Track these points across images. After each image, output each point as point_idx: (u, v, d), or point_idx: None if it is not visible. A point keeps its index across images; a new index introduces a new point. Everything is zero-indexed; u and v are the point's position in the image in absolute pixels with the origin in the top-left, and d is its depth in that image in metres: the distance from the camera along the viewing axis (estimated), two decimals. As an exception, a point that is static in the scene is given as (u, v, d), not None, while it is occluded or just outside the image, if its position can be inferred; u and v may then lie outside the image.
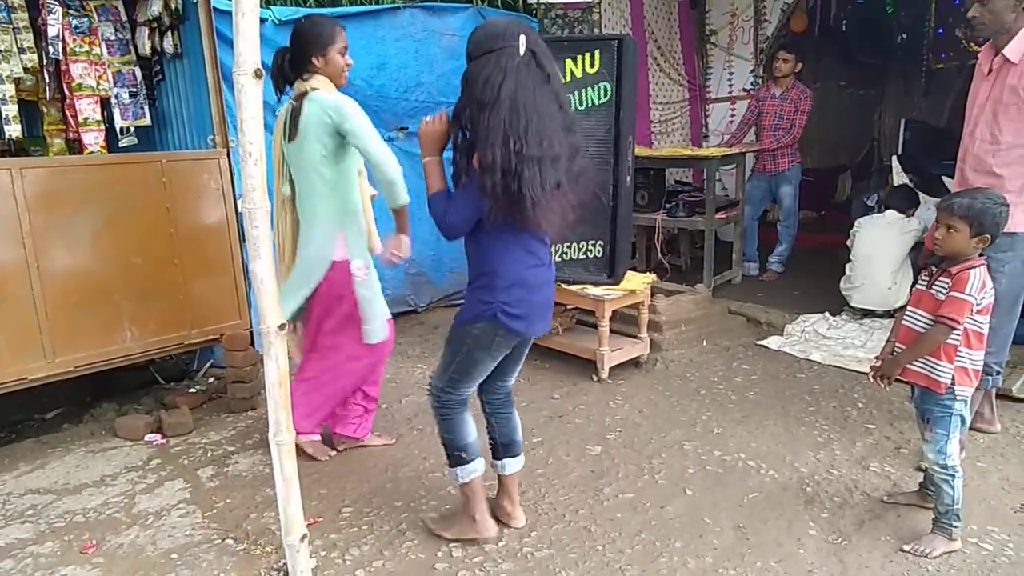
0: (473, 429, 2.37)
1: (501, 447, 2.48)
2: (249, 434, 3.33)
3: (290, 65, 2.74)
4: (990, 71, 2.90)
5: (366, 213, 2.96)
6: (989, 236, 2.26)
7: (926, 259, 2.51)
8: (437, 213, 2.17)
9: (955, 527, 2.34)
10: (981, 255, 2.32)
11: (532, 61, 1.99)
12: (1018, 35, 2.77)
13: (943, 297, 2.30)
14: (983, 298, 2.28)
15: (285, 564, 2.19)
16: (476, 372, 2.29)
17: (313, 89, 2.69)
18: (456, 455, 2.37)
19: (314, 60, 2.70)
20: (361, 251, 2.85)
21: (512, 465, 2.48)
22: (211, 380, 3.94)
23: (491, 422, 2.49)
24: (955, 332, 2.28)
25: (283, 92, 2.81)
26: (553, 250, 3.99)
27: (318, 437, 3.08)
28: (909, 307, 2.46)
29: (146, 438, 3.28)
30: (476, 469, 2.39)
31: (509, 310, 2.16)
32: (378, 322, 2.92)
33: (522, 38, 1.98)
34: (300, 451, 2.83)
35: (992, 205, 2.26)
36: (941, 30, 7.72)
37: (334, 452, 3.09)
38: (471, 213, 2.10)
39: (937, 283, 2.35)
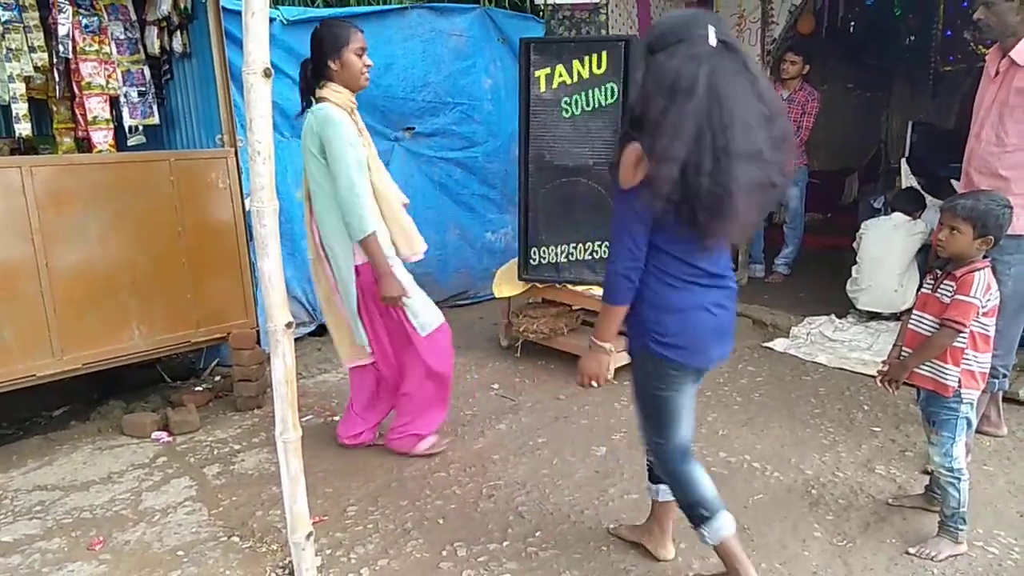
0: (704, 481, 2.08)
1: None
2: (255, 432, 3.35)
3: (313, 75, 2.74)
4: (997, 73, 2.89)
5: (393, 216, 2.85)
6: (992, 238, 2.26)
7: (932, 264, 2.51)
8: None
9: (961, 530, 2.34)
10: (985, 257, 2.32)
11: (725, 50, 1.75)
12: None
13: (948, 300, 2.30)
14: (988, 300, 2.28)
15: (290, 562, 2.20)
16: (670, 412, 2.03)
17: (320, 99, 2.68)
18: (696, 513, 2.07)
19: (330, 64, 2.69)
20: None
21: (668, 492, 2.21)
22: (218, 378, 3.96)
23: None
24: (961, 335, 2.28)
25: (308, 105, 2.75)
26: (559, 251, 4.01)
27: (434, 438, 3.07)
28: (915, 311, 2.45)
29: (153, 436, 3.30)
30: (723, 526, 2.05)
31: (661, 338, 1.94)
32: (425, 314, 2.89)
33: (711, 27, 1.75)
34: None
35: (995, 207, 2.26)
36: (949, 32, 7.69)
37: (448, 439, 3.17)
38: (639, 225, 1.86)
39: (942, 286, 2.35)
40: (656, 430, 2.07)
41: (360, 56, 2.71)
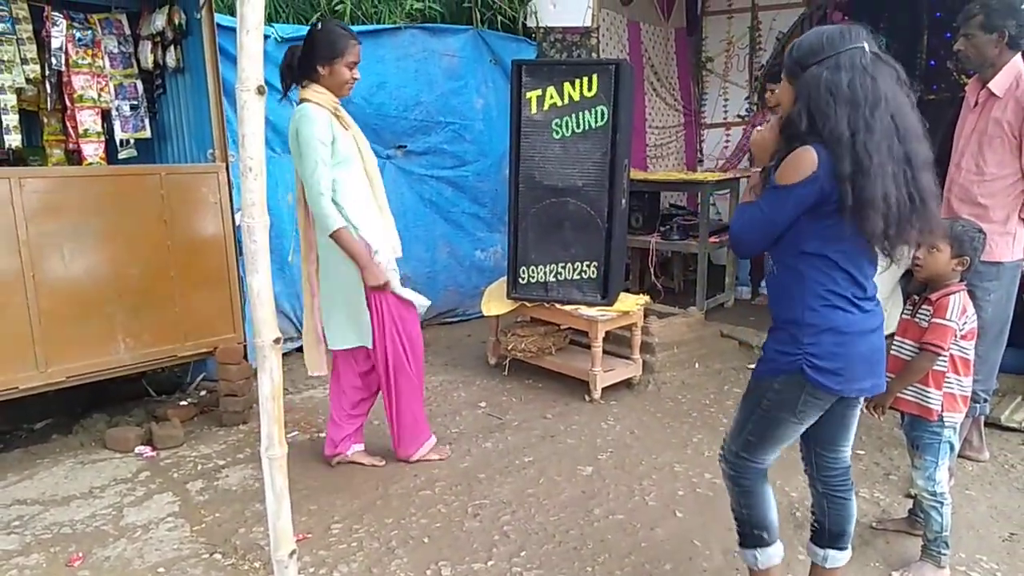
0: (774, 506, 2.03)
1: (828, 535, 2.09)
2: (240, 448, 3.32)
3: (298, 65, 2.77)
4: (976, 104, 2.96)
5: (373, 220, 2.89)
6: (968, 259, 2.32)
7: (913, 289, 2.55)
8: (734, 224, 1.91)
9: (944, 554, 2.35)
10: (962, 281, 2.37)
11: (880, 61, 1.73)
12: (1003, 70, 2.84)
13: (926, 324, 2.34)
14: (965, 323, 2.32)
15: (273, 580, 2.18)
16: (777, 436, 1.94)
17: (302, 100, 2.72)
18: (754, 534, 2.01)
19: (319, 68, 2.73)
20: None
21: (837, 559, 2.09)
22: (203, 393, 3.93)
23: (821, 504, 2.10)
24: (940, 358, 2.31)
25: (288, 91, 2.84)
26: (548, 271, 4.03)
27: (433, 440, 3.20)
28: (896, 336, 2.49)
29: (136, 450, 3.27)
30: (776, 554, 2.02)
31: (818, 363, 1.81)
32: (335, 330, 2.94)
33: (864, 39, 1.73)
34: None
35: (969, 229, 2.36)
36: (933, 62, 7.83)
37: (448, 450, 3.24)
38: (772, 226, 1.80)
39: (920, 311, 2.40)
40: (748, 448, 1.97)
41: (351, 69, 2.75)
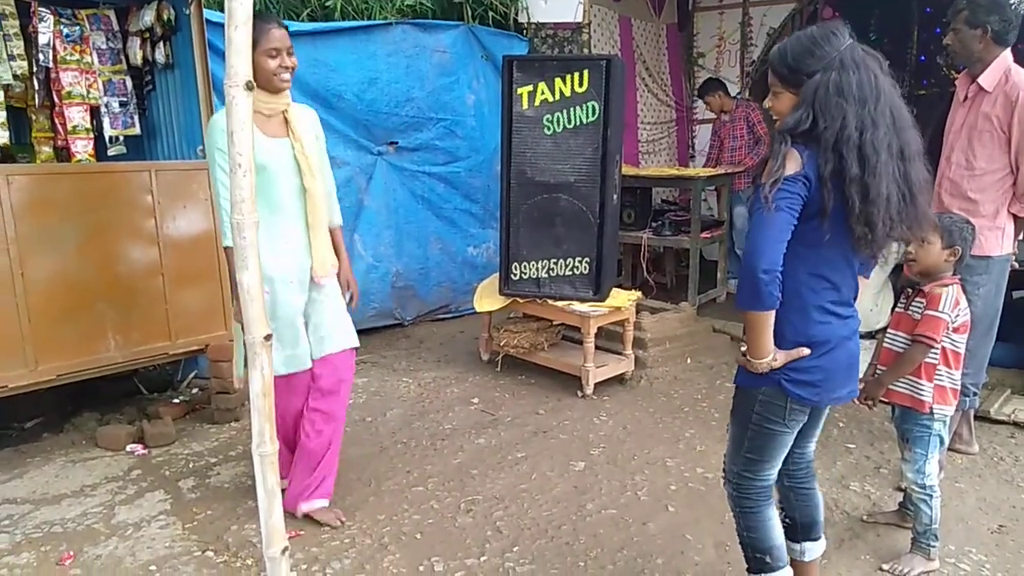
0: (780, 531, 2.00)
1: (800, 528, 2.10)
2: (232, 445, 3.31)
3: None
4: (966, 98, 2.98)
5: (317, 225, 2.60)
6: (959, 250, 2.34)
7: (904, 283, 2.57)
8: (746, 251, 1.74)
9: (933, 547, 2.37)
10: (955, 274, 2.38)
11: (866, 52, 1.72)
12: (992, 64, 2.85)
13: (919, 317, 2.35)
14: (957, 316, 2.33)
15: (265, 577, 2.17)
16: (774, 447, 1.91)
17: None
18: (758, 559, 1.97)
19: None
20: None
21: (813, 550, 2.11)
22: (195, 391, 3.92)
23: (788, 497, 2.12)
24: (932, 350, 2.32)
25: None
26: (540, 267, 4.04)
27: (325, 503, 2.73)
28: (889, 329, 2.51)
29: (127, 448, 3.26)
30: None
31: (797, 376, 1.80)
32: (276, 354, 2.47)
33: (847, 35, 1.72)
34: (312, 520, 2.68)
35: (957, 220, 2.40)
36: (923, 57, 7.87)
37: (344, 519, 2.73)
38: (780, 237, 1.69)
39: (913, 303, 2.41)
40: (749, 465, 1.93)
41: (274, 57, 2.42)
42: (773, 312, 1.73)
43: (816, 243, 1.73)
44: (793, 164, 1.67)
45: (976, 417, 3.28)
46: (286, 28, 2.52)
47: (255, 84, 2.53)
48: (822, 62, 1.68)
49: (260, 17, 2.50)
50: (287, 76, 2.48)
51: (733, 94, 6.28)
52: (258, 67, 2.43)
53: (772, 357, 1.77)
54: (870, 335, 4.58)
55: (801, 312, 1.78)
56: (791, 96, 1.75)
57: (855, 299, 1.88)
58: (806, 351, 1.78)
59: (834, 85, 1.65)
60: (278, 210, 2.50)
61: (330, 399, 2.67)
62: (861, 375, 2.59)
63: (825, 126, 1.65)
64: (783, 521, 2.11)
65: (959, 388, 2.43)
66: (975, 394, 3.12)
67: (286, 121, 2.51)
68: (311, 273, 2.58)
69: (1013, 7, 2.82)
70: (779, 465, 1.96)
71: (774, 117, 1.86)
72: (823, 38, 1.70)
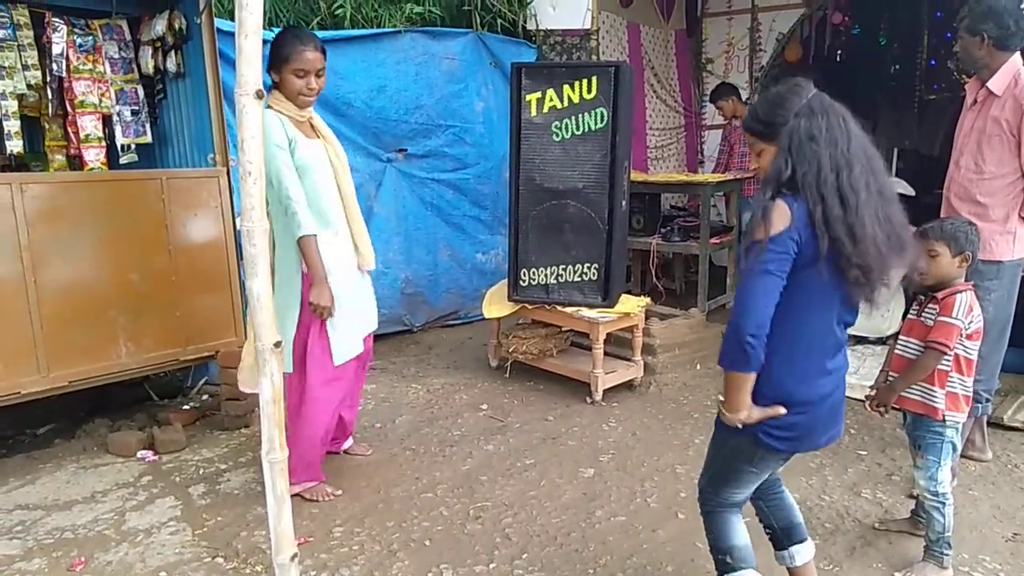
0: (742, 533, 1.99)
1: (781, 534, 2.11)
2: (242, 452, 3.32)
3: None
4: (975, 102, 2.97)
5: (355, 219, 2.84)
6: (970, 255, 2.32)
7: (916, 289, 2.55)
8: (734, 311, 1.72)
9: (946, 555, 2.34)
10: (968, 280, 2.37)
11: (832, 101, 1.77)
12: (1001, 69, 2.84)
13: (932, 323, 2.33)
14: (971, 323, 2.31)
15: (275, 583, 2.18)
16: (739, 482, 1.92)
17: (267, 107, 2.64)
18: (719, 559, 1.99)
19: (271, 73, 2.64)
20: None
21: (802, 553, 2.09)
22: (205, 397, 3.94)
23: (759, 507, 2.12)
24: (946, 357, 2.31)
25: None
26: (549, 273, 4.04)
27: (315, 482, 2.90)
28: (901, 335, 2.49)
29: (138, 454, 3.27)
30: None
31: (774, 431, 1.78)
32: (344, 342, 2.74)
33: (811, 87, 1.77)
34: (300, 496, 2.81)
35: (961, 224, 2.36)
36: (934, 61, 7.85)
37: (339, 492, 2.93)
38: (771, 296, 1.67)
39: (926, 310, 2.40)
40: (714, 485, 1.97)
41: (301, 77, 2.58)
42: (755, 373, 1.72)
43: (812, 296, 1.72)
44: (781, 220, 1.66)
45: (989, 424, 3.25)
46: (323, 49, 2.63)
47: (283, 94, 2.63)
48: (791, 111, 1.72)
49: (297, 35, 2.62)
50: (311, 99, 2.65)
51: (744, 100, 6.29)
52: (285, 83, 2.61)
53: (747, 414, 1.76)
54: (881, 341, 4.56)
55: (790, 370, 1.76)
56: (771, 149, 1.77)
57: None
58: (782, 410, 1.76)
59: (805, 131, 1.68)
60: (328, 207, 2.70)
61: (362, 373, 3.08)
62: (872, 381, 2.59)
63: (804, 171, 1.67)
64: (765, 531, 2.13)
65: (972, 395, 2.40)
66: (988, 400, 3.10)
67: (312, 127, 2.73)
68: (357, 262, 2.85)
69: (1013, 13, 2.80)
70: (747, 494, 1.96)
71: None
72: (789, 92, 1.76)
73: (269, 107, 2.66)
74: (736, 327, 1.67)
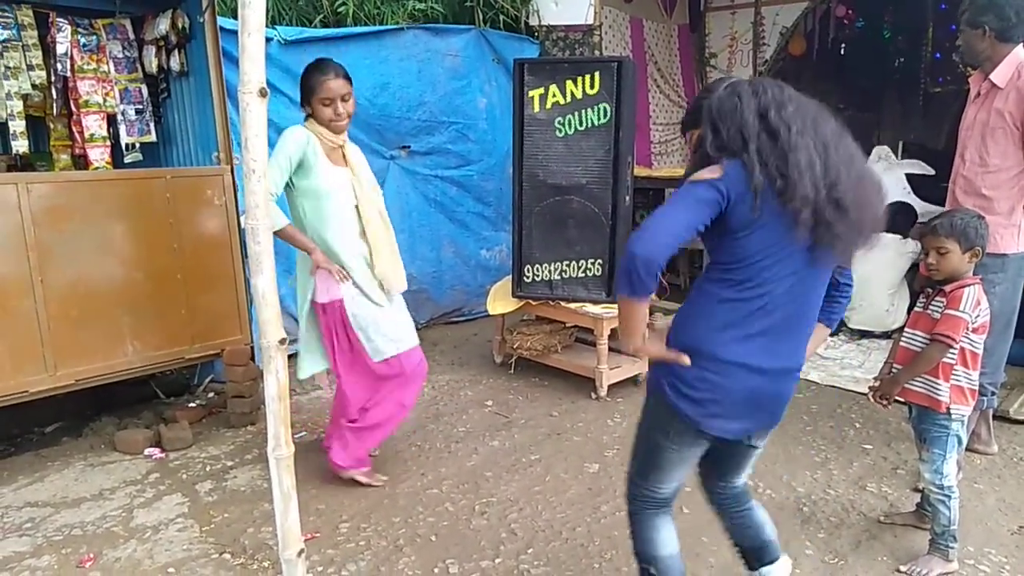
0: (669, 541, 1.86)
1: (750, 554, 1.99)
2: (248, 449, 3.34)
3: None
4: (979, 95, 2.96)
5: (378, 247, 2.85)
6: (979, 249, 2.31)
7: (922, 283, 2.55)
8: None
9: (952, 548, 2.35)
10: (976, 275, 2.36)
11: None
12: (1003, 61, 2.83)
13: (939, 316, 2.33)
14: (978, 316, 2.31)
15: (282, 579, 2.19)
16: (659, 463, 1.79)
17: (303, 125, 2.76)
18: (643, 569, 1.86)
19: (304, 107, 2.77)
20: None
21: (773, 573, 1.97)
22: (211, 395, 3.95)
23: (726, 526, 2.01)
24: (951, 350, 2.30)
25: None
26: (553, 269, 4.04)
27: (366, 469, 3.00)
28: (907, 328, 2.48)
29: (145, 452, 3.29)
30: None
31: (680, 385, 1.68)
32: (378, 339, 2.82)
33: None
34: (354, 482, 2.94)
35: (970, 219, 2.34)
36: (939, 55, 7.80)
37: (385, 477, 3.04)
38: (671, 221, 1.57)
39: (933, 303, 2.39)
40: (639, 469, 1.85)
41: (328, 105, 2.69)
42: (645, 304, 1.61)
43: (761, 256, 1.60)
44: (709, 171, 1.60)
45: (995, 417, 3.25)
46: (345, 76, 2.74)
47: (318, 121, 2.71)
48: (712, 92, 1.69)
49: (319, 66, 2.79)
50: (343, 123, 2.76)
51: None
52: (316, 112, 2.74)
53: (640, 343, 1.64)
54: (886, 335, 4.56)
55: (709, 323, 1.66)
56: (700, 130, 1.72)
57: (803, 355, 1.74)
58: (685, 359, 1.65)
59: (725, 95, 1.64)
60: (335, 234, 2.76)
61: (402, 393, 3.01)
62: (876, 374, 2.59)
63: (728, 126, 1.61)
64: (736, 552, 2.03)
65: (977, 388, 2.40)
66: (993, 394, 3.09)
67: (343, 155, 2.81)
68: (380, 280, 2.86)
69: (1014, 4, 2.79)
70: (673, 484, 1.83)
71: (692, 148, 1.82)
72: (712, 82, 1.78)
73: (305, 126, 2.74)
74: (629, 252, 1.54)
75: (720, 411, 1.68)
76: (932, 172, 4.99)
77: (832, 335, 4.69)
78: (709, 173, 1.59)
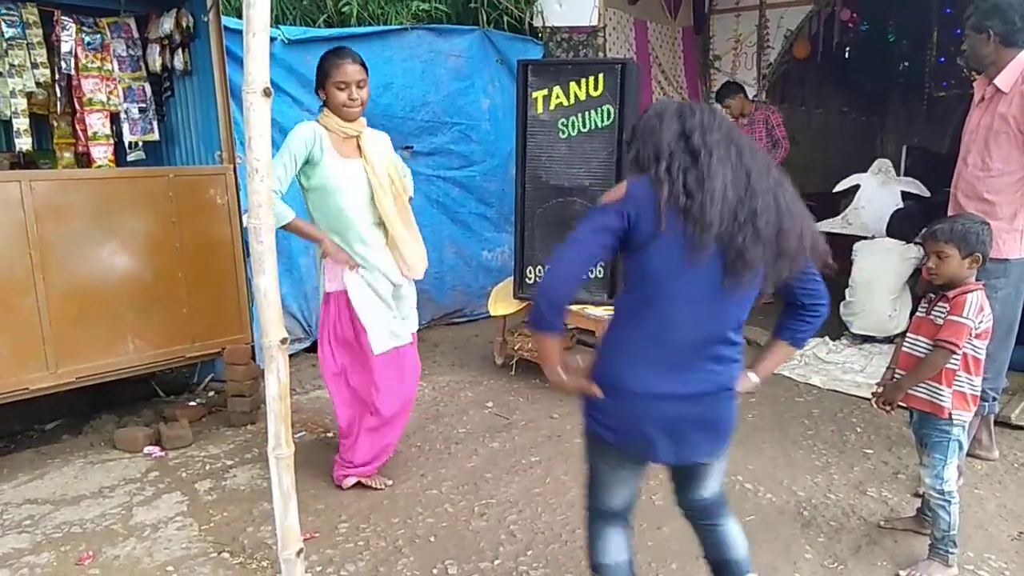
0: (615, 551, 1.88)
1: (716, 569, 1.95)
2: (248, 448, 3.34)
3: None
4: (983, 99, 2.95)
5: (397, 240, 2.88)
6: (980, 256, 2.30)
7: (925, 288, 2.54)
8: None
9: (951, 553, 2.34)
10: (977, 280, 2.35)
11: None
12: (1008, 66, 2.83)
13: (942, 322, 2.32)
14: (981, 322, 2.30)
15: (281, 578, 2.19)
16: (600, 480, 1.84)
17: (316, 121, 2.76)
18: (592, 574, 1.93)
19: (319, 93, 2.77)
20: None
21: None
22: (211, 394, 3.95)
23: (698, 533, 1.98)
24: (954, 356, 2.30)
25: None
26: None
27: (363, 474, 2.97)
28: (909, 334, 2.48)
29: (145, 450, 3.29)
30: None
31: (594, 414, 1.74)
32: (376, 332, 2.81)
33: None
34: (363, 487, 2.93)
35: (972, 224, 2.33)
36: (943, 59, 7.81)
37: (390, 481, 3.00)
38: (575, 250, 1.64)
39: (936, 309, 2.38)
40: (588, 485, 1.89)
41: (343, 90, 2.69)
42: (555, 338, 1.70)
43: (667, 280, 1.61)
44: (613, 195, 1.65)
45: (996, 422, 3.24)
46: (361, 63, 2.75)
47: (330, 110, 2.71)
48: (645, 115, 1.73)
49: (336, 52, 2.80)
50: (356, 109, 2.74)
51: (751, 97, 6.26)
52: (331, 97, 2.73)
53: (557, 372, 1.73)
54: (888, 340, 4.55)
55: (622, 351, 1.71)
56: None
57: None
58: (596, 390, 1.70)
59: (651, 115, 1.69)
60: (348, 225, 2.75)
61: (401, 388, 3.03)
62: (878, 379, 2.58)
63: (644, 143, 1.65)
64: (705, 561, 1.99)
65: (979, 394, 2.39)
66: (995, 399, 3.09)
67: (358, 145, 2.77)
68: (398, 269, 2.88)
69: (1019, 9, 2.79)
70: (617, 500, 1.84)
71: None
72: (658, 108, 1.75)
73: (317, 122, 2.74)
74: (539, 289, 1.66)
75: (638, 437, 1.69)
76: (928, 194, 5.00)
77: (834, 339, 4.69)
78: (613, 195, 1.66)
